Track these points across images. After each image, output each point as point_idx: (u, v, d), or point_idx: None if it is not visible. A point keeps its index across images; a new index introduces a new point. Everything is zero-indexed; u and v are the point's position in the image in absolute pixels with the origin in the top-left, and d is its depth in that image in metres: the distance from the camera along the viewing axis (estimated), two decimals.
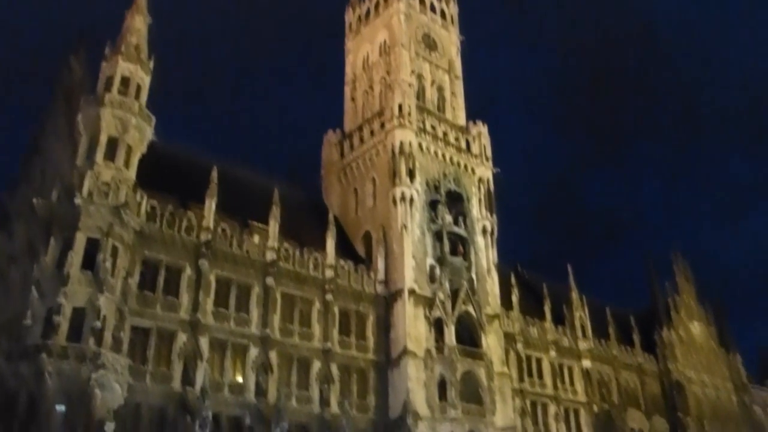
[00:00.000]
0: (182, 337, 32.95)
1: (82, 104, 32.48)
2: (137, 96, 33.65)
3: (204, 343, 33.50)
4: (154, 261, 33.46)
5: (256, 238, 37.62)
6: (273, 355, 35.79)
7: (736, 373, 65.16)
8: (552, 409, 47.78)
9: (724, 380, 62.67)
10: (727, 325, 67.43)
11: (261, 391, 34.30)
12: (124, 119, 32.38)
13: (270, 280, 36.91)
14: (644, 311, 59.78)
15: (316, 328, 38.32)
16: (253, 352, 35.17)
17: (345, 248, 43.55)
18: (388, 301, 41.32)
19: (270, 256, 37.32)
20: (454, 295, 41.80)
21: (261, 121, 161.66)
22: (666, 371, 57.54)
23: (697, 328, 63.29)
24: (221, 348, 34.45)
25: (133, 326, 31.24)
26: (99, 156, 31.43)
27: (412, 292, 40.62)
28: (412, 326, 39.89)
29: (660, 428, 54.98)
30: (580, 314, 52.81)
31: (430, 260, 42.61)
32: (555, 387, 48.71)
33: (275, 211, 38.46)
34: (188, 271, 34.37)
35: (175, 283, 33.92)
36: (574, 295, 53.30)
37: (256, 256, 37.00)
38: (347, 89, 53.18)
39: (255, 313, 36.09)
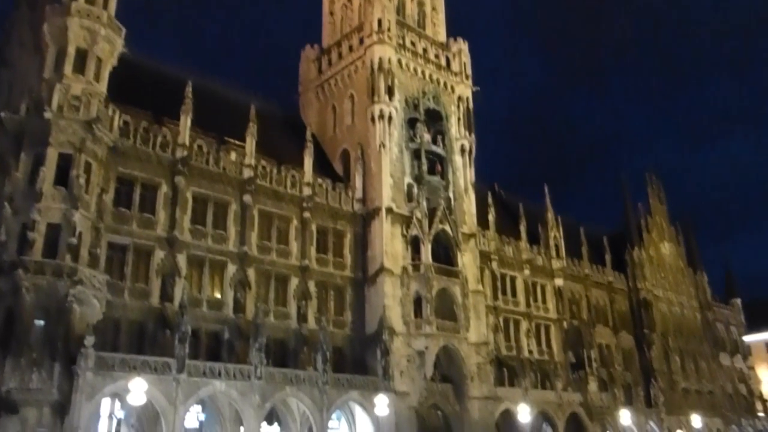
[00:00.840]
0: (159, 254, 33.01)
1: (48, 13, 30.95)
2: (105, 5, 32.11)
3: (182, 260, 33.63)
4: (129, 177, 33.03)
5: (233, 155, 37.23)
6: (251, 272, 36.11)
7: (702, 292, 67.38)
8: (524, 325, 49.29)
9: (690, 298, 64.85)
10: (696, 246, 69.22)
11: (239, 307, 34.80)
12: (92, 29, 31.02)
13: (247, 198, 36.79)
14: (617, 231, 60.94)
15: (294, 246, 38.60)
16: (231, 268, 35.44)
17: (323, 166, 43.35)
18: (365, 219, 41.55)
19: (247, 173, 37.05)
20: (431, 213, 42.10)
21: (236, 35, 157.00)
22: (635, 289, 59.26)
23: (667, 248, 64.84)
24: (199, 265, 34.63)
25: (109, 243, 31.17)
26: (68, 68, 30.28)
27: (389, 210, 40.82)
28: (389, 244, 40.31)
29: (626, 343, 57.14)
30: (555, 234, 53.70)
31: (407, 179, 42.63)
32: (527, 304, 50.05)
33: (252, 128, 37.89)
34: (164, 188, 34.05)
35: (151, 200, 33.66)
36: (550, 215, 54.01)
37: (233, 174, 36.72)
38: (325, 2, 51.44)
39: (232, 230, 36.14)
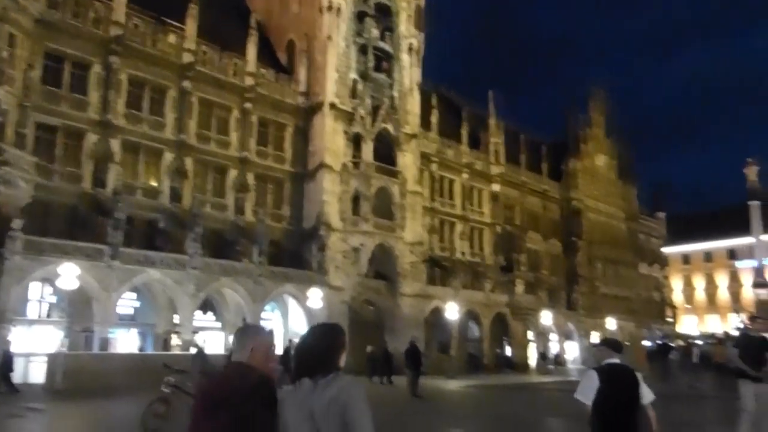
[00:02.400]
0: (92, 138, 31.81)
1: None
2: None
3: (115, 144, 32.54)
4: (58, 54, 31.17)
5: (172, 38, 35.46)
6: (188, 161, 35.34)
7: (630, 204, 70.05)
8: (459, 227, 50.45)
9: (618, 209, 67.40)
10: (630, 160, 71.17)
11: (176, 196, 34.23)
12: None
13: (187, 84, 35.42)
14: (557, 141, 61.89)
15: (234, 136, 37.79)
16: (168, 156, 34.57)
17: (267, 55, 41.85)
18: (308, 113, 40.79)
19: (187, 58, 35.47)
20: (375, 111, 41.64)
21: None
22: (567, 198, 61.08)
23: (601, 160, 66.54)
24: (134, 151, 33.62)
25: (38, 123, 29.76)
26: None
27: (332, 105, 40.11)
28: (331, 140, 39.89)
29: (554, 249, 59.48)
30: (496, 140, 54.16)
31: (353, 74, 41.70)
32: (464, 207, 51.04)
33: (193, 10, 35.96)
34: (97, 68, 32.37)
35: (82, 79, 32.05)
36: (493, 120, 54.22)
37: (172, 57, 35.11)
38: None
39: (170, 117, 34.98)
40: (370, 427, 3.00)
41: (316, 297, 34.85)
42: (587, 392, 5.37)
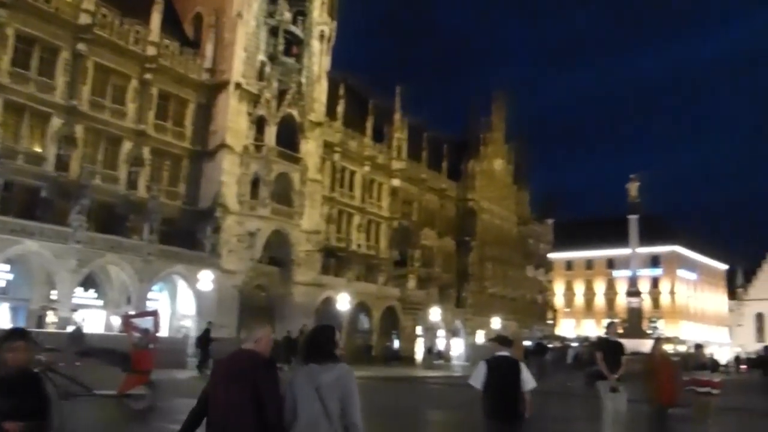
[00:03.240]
0: None
1: None
2: None
3: None
4: None
5: None
6: (79, 129, 33.48)
7: (522, 208, 72.72)
8: (357, 219, 50.63)
9: (511, 213, 69.82)
10: (526, 166, 73.86)
11: (62, 165, 32.33)
12: None
13: (82, 47, 33.46)
14: (459, 141, 63.27)
15: (131, 108, 36.14)
16: (56, 122, 32.57)
17: (172, 26, 40.21)
18: (212, 90, 39.61)
19: (84, 19, 33.47)
20: (281, 95, 41.01)
21: None
22: (464, 198, 62.63)
23: (499, 163, 68.66)
24: (18, 112, 31.48)
25: None
26: None
27: (238, 85, 39.14)
28: (234, 120, 38.95)
29: (448, 247, 60.88)
30: (400, 135, 54.68)
31: (261, 56, 40.84)
32: (363, 200, 51.26)
33: None
34: None
35: None
36: (398, 116, 54.69)
37: (67, 16, 33.01)
38: None
39: (61, 80, 32.97)
40: (357, 402, 4.13)
41: (207, 279, 33.97)
42: (478, 378, 6.76)
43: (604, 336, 11.22)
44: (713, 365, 11.21)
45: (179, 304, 36.94)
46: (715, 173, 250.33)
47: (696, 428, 10.89)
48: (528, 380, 6.68)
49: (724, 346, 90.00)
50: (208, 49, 39.96)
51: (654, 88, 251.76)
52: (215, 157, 38.64)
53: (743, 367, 50.52)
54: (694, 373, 11.09)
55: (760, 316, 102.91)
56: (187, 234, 37.43)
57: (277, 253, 41.13)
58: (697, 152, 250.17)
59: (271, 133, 40.22)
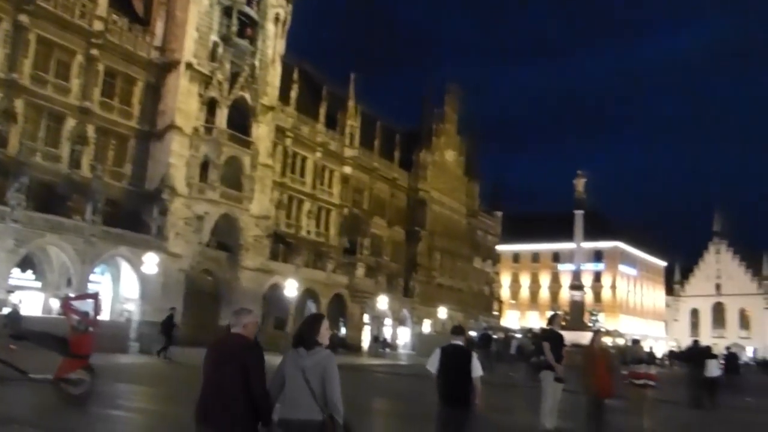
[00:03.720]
0: None
1: None
2: None
3: None
4: None
5: None
6: (19, 104, 32.28)
7: (472, 200, 73.51)
8: (307, 205, 50.32)
9: (461, 205, 70.50)
10: (476, 158, 74.61)
11: (1, 141, 31.10)
12: None
13: (23, 18, 32.20)
14: (411, 131, 63.43)
15: (75, 84, 34.97)
16: None
17: (121, 1, 39.05)
18: (162, 70, 38.64)
19: None
20: (234, 78, 40.33)
21: None
22: (414, 188, 62.90)
23: (450, 155, 69.16)
24: None
25: None
26: None
27: (189, 65, 38.28)
28: (184, 101, 38.11)
29: (397, 236, 61.11)
30: (353, 123, 54.50)
31: (214, 37, 40.00)
32: (314, 186, 50.96)
33: None
34: None
35: None
36: (351, 103, 54.48)
37: None
38: None
39: (0, 52, 31.63)
40: (336, 382, 4.73)
41: (151, 263, 33.21)
42: (434, 364, 7.59)
43: (548, 327, 11.45)
44: (650, 358, 11.55)
45: (122, 287, 36.10)
46: (656, 173, 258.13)
47: (631, 419, 11.21)
48: (477, 368, 7.47)
49: (660, 340, 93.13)
50: (159, 26, 38.94)
51: (602, 88, 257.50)
52: (164, 138, 37.77)
53: (676, 360, 52.35)
54: (632, 365, 11.41)
55: (695, 312, 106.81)
56: (133, 216, 36.53)
57: (225, 238, 40.58)
58: (639, 152, 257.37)
59: (222, 116, 39.54)
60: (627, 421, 11.32)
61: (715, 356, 21.00)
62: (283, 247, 47.44)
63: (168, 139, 37.58)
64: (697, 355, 20.82)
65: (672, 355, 52.43)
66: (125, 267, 35.38)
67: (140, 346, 26.42)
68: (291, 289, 41.67)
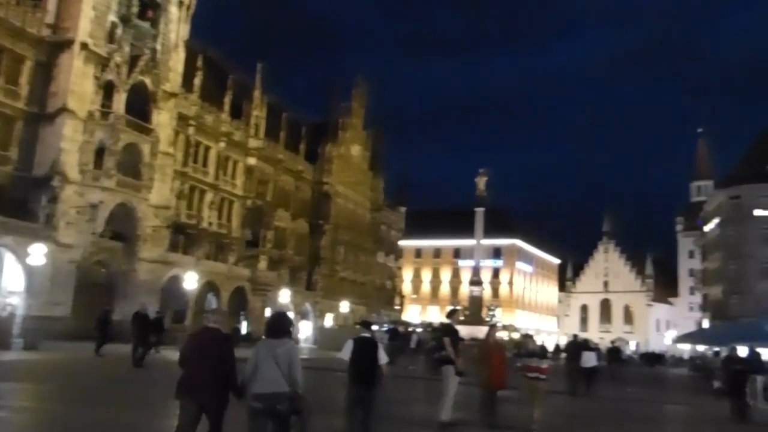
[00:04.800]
0: None
1: None
2: None
3: None
4: None
5: None
6: None
7: (377, 195, 74.05)
8: (209, 196, 49.04)
9: (365, 199, 70.87)
10: (382, 153, 75.21)
11: None
12: None
13: None
14: (318, 124, 63.10)
15: None
16: None
17: None
18: (54, 48, 36.48)
19: None
20: (133, 61, 38.71)
21: None
22: (320, 182, 62.67)
23: (356, 149, 69.38)
24: None
25: None
26: None
27: (84, 46, 36.37)
28: (78, 84, 36.20)
29: (301, 229, 60.72)
30: (258, 114, 53.59)
31: (112, 17, 38.22)
32: (217, 177, 49.73)
33: None
34: None
35: None
36: (257, 93, 53.55)
37: None
38: None
39: None
40: (299, 365, 6.36)
41: (39, 253, 31.30)
42: (346, 353, 8.90)
43: (447, 322, 11.70)
44: (542, 352, 12.05)
45: (5, 279, 33.92)
46: (554, 174, 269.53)
47: (523, 409, 11.66)
48: (382, 356, 8.95)
49: (553, 335, 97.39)
50: (51, 2, 36.74)
51: (506, 90, 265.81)
52: (55, 121, 35.73)
53: (563, 354, 54.82)
54: (525, 359, 11.84)
55: (584, 308, 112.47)
56: (19, 203, 34.36)
57: (121, 228, 38.95)
58: (539, 153, 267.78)
59: (120, 100, 37.88)
60: (519, 412, 11.76)
61: (592, 349, 22.63)
62: (184, 238, 46.10)
63: (59, 122, 35.59)
64: (574, 348, 22.36)
65: (557, 348, 54.87)
66: (9, 258, 33.25)
67: (24, 342, 24.95)
68: (191, 281, 40.57)
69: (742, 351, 19.95)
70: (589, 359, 21.44)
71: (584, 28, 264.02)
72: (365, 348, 8.90)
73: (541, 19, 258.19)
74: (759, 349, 21.68)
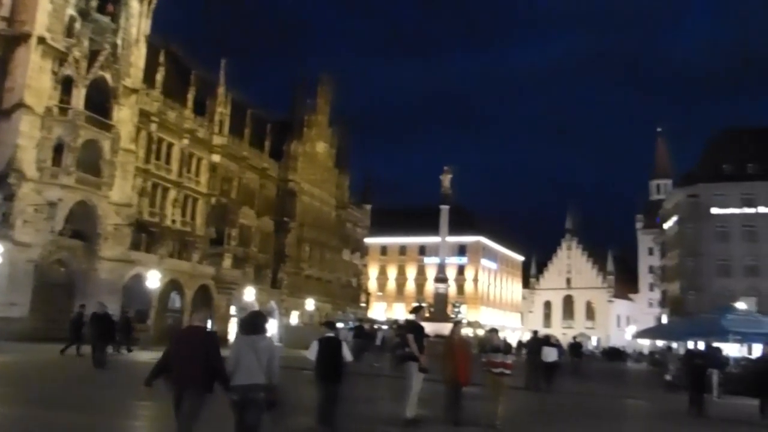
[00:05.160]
0: None
1: None
2: None
3: None
4: None
5: None
6: None
7: (342, 192, 73.92)
8: (172, 194, 48.32)
9: (331, 196, 70.68)
10: (347, 151, 75.09)
11: None
12: None
13: None
14: (283, 122, 62.68)
15: None
16: None
17: None
18: (9, 42, 35.51)
19: None
20: (93, 56, 37.88)
21: None
22: (285, 179, 62.28)
23: (321, 146, 69.10)
24: None
25: None
26: None
27: (42, 40, 35.50)
28: (35, 78, 35.34)
29: (266, 227, 60.27)
30: (222, 110, 52.98)
31: (71, 10, 37.36)
32: (180, 174, 49.02)
33: None
34: None
35: None
36: (221, 90, 52.92)
37: None
38: None
39: None
40: (278, 359, 7.03)
41: None
42: (313, 352, 9.65)
43: (411, 318, 11.75)
44: (506, 348, 12.16)
45: None
46: (518, 172, 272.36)
47: (487, 405, 11.77)
48: (347, 354, 9.84)
49: (517, 331, 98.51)
50: None
51: (471, 89, 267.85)
52: (11, 117, 34.82)
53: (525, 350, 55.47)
54: (490, 354, 11.93)
55: (548, 304, 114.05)
56: None
57: (81, 226, 38.16)
58: (504, 152, 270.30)
59: (79, 96, 37.08)
60: (483, 407, 11.86)
61: (552, 345, 23.31)
62: (146, 236, 45.36)
63: (16, 118, 34.71)
64: (535, 343, 22.94)
65: (520, 344, 55.59)
66: None
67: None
68: (153, 280, 39.96)
69: (700, 346, 20.52)
70: (549, 354, 22.03)
71: (547, 29, 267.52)
72: (330, 347, 9.62)
73: (504, 20, 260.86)
74: (716, 344, 22.29)
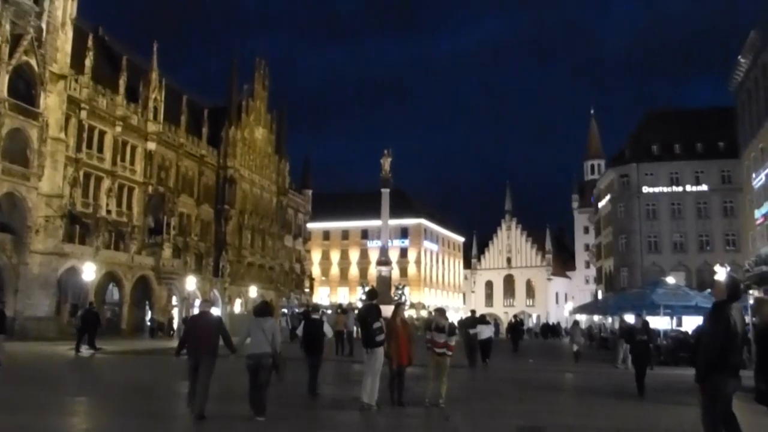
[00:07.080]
0: None
1: None
2: None
3: None
4: None
5: None
6: None
7: (282, 178, 73.35)
8: (106, 183, 47.01)
9: (271, 183, 70.07)
10: (286, 136, 74.44)
11: None
12: None
13: None
14: (220, 108, 61.61)
15: None
16: None
17: None
18: None
19: None
20: (15, 41, 36.39)
21: None
22: (224, 166, 61.36)
23: (260, 132, 68.31)
24: None
25: None
26: None
27: None
28: None
29: (206, 215, 59.37)
30: (156, 96, 51.74)
31: None
32: (114, 163, 47.73)
33: None
34: None
35: None
36: (154, 75, 51.62)
37: None
38: None
39: None
40: (279, 334, 9.98)
41: None
42: (301, 330, 13.48)
43: (375, 303, 11.85)
44: (451, 330, 12.35)
45: None
46: (457, 155, 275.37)
47: (429, 384, 11.98)
48: (328, 330, 13.91)
49: (460, 311, 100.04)
50: None
51: (403, 72, 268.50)
52: None
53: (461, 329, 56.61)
54: (434, 334, 12.12)
55: (489, 284, 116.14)
56: None
57: (9, 219, 36.83)
58: (442, 135, 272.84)
59: (2, 83, 35.60)
60: (426, 387, 12.08)
61: (487, 322, 25.90)
62: (80, 228, 43.99)
63: None
64: (472, 322, 24.65)
65: (459, 323, 56.65)
66: None
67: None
68: (89, 273, 38.87)
69: (630, 319, 21.40)
70: (483, 331, 23.75)
71: (478, 12, 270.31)
72: (314, 325, 13.34)
73: (435, 3, 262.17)
74: (646, 317, 23.22)
